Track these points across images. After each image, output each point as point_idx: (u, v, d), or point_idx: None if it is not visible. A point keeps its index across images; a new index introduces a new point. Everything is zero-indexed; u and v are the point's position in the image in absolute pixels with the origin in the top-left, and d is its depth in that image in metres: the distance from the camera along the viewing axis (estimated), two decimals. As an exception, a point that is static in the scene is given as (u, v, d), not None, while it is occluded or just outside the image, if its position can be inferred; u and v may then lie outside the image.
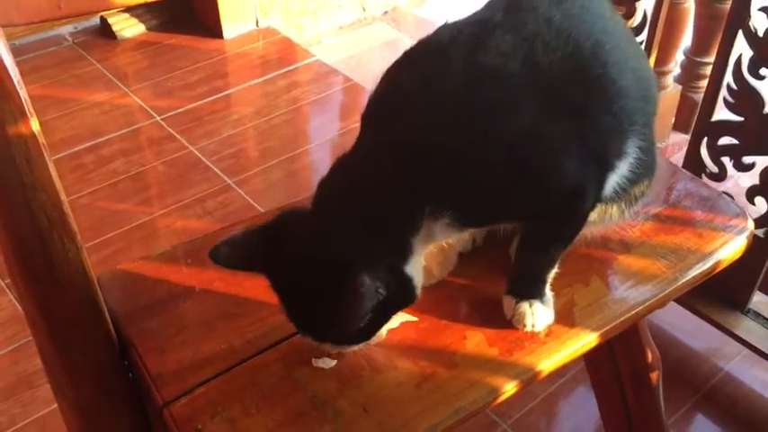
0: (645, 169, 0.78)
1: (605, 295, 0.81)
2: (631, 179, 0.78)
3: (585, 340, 0.77)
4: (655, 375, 1.20)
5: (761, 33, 1.19)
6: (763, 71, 1.22)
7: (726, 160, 1.34)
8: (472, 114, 0.68)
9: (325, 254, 0.66)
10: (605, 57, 0.72)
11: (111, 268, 0.81)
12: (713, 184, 1.39)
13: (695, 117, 1.38)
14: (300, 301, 0.69)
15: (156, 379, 0.70)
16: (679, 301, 1.51)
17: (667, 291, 0.82)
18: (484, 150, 0.68)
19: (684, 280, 0.84)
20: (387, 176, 0.68)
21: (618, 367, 1.22)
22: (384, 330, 0.74)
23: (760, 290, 1.43)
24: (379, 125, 0.72)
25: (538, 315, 0.77)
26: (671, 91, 1.96)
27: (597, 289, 0.82)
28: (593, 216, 0.78)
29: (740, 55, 1.24)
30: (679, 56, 1.98)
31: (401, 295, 0.69)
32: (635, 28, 1.36)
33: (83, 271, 0.68)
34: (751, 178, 1.34)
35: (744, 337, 1.42)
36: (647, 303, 0.81)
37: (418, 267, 0.71)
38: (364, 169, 0.70)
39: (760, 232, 1.34)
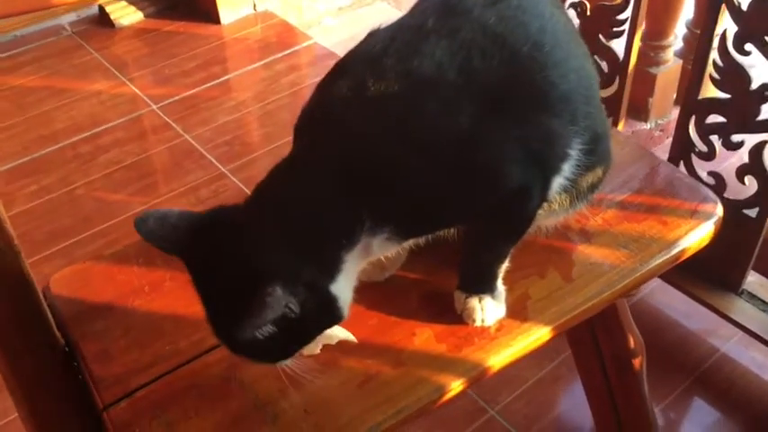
0: (590, 167, 0.76)
1: (561, 288, 0.80)
2: (576, 179, 0.75)
3: (537, 335, 0.76)
4: (638, 361, 1.18)
5: (745, 7, 1.15)
6: (748, 47, 1.18)
7: (714, 139, 1.31)
8: (410, 122, 0.66)
9: (245, 257, 0.64)
10: (544, 60, 0.70)
11: (62, 269, 0.81)
12: (704, 164, 1.36)
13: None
14: (214, 303, 0.66)
15: (98, 382, 0.70)
16: (671, 282, 1.49)
17: (625, 282, 0.80)
18: (423, 158, 0.66)
19: (645, 270, 0.82)
20: (321, 187, 0.66)
21: (601, 353, 1.20)
22: (318, 347, 0.73)
23: (754, 269, 1.40)
24: (313, 135, 0.70)
25: (487, 310, 0.75)
26: (671, 65, 1.91)
27: (553, 281, 0.80)
28: (540, 211, 0.76)
29: (725, 30, 1.20)
30: (681, 29, 1.93)
31: (322, 315, 0.67)
32: (618, 5, 1.32)
33: (21, 275, 0.68)
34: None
35: (738, 320, 1.39)
36: (604, 295, 0.79)
37: (348, 286, 0.69)
38: (299, 178, 0.68)
39: (752, 212, 1.31)
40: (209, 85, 2.20)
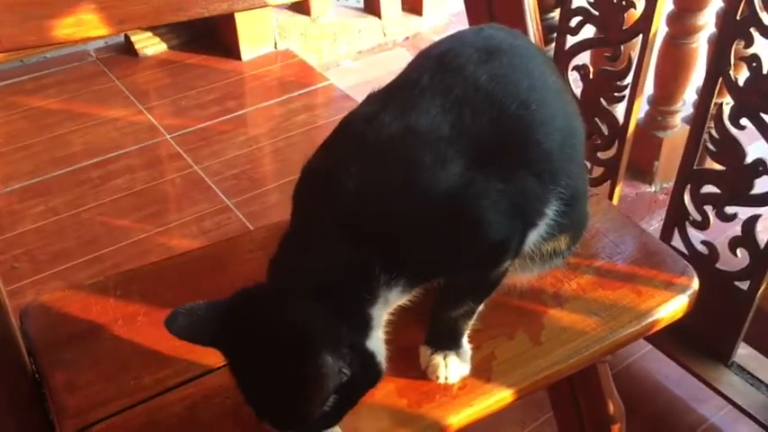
0: (565, 228, 0.77)
1: (528, 350, 0.80)
2: (549, 238, 0.77)
3: (499, 396, 0.76)
4: (616, 428, 1.17)
5: (741, 83, 1.16)
6: (743, 121, 1.19)
7: (709, 209, 1.31)
8: (406, 176, 0.68)
9: (283, 334, 0.65)
10: (530, 118, 0.72)
11: (40, 297, 0.82)
12: (698, 233, 1.36)
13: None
14: (259, 385, 0.66)
15: (60, 412, 0.71)
16: (662, 348, 1.48)
17: (593, 349, 0.80)
18: (420, 210, 0.68)
19: (614, 339, 0.82)
20: (335, 250, 0.67)
21: (581, 416, 1.20)
22: None
23: (745, 342, 1.38)
24: (317, 197, 0.71)
25: (452, 367, 0.76)
26: (678, 131, 1.92)
27: (521, 343, 0.81)
28: (511, 268, 0.77)
29: (721, 103, 1.21)
30: (691, 95, 1.94)
31: (366, 374, 0.67)
32: (620, 71, 1.34)
33: (-5, 301, 0.70)
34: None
35: (726, 393, 1.37)
36: (571, 361, 0.80)
37: (380, 340, 0.70)
38: (312, 245, 0.69)
39: (744, 285, 1.30)
40: (223, 118, 2.24)
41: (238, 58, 2.49)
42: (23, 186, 1.99)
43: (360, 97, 2.60)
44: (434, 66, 0.74)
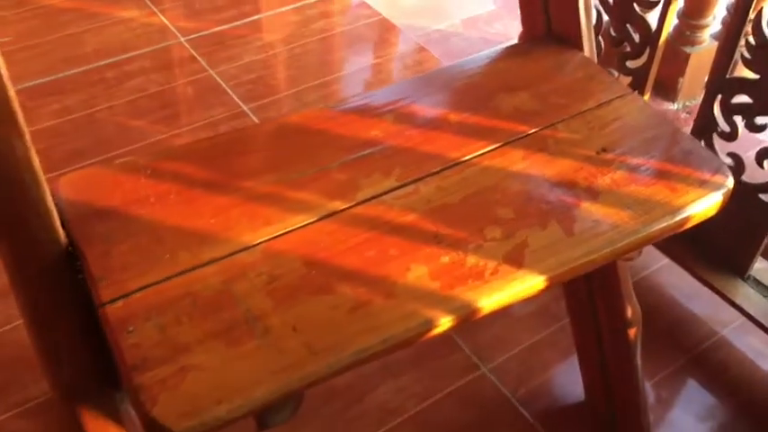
0: None
1: (560, 240, 0.80)
2: None
3: (531, 282, 0.76)
4: (633, 331, 1.18)
5: (784, -15, 1.13)
6: (783, 26, 1.16)
7: (738, 120, 1.29)
8: None
9: None
10: None
11: (71, 172, 0.82)
12: (725, 145, 1.35)
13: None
14: None
15: (98, 280, 0.71)
16: (677, 260, 1.48)
17: (626, 241, 0.80)
18: None
19: (647, 232, 0.81)
20: None
21: (597, 319, 1.21)
22: None
23: (763, 256, 1.39)
24: None
25: None
26: (706, 46, 1.87)
27: (553, 233, 0.80)
28: None
29: (762, 8, 1.17)
30: (721, 11, 1.89)
31: None
32: (656, -27, 1.30)
33: (31, 170, 0.69)
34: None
35: (741, 305, 1.39)
36: (604, 252, 0.79)
37: None
38: None
39: (767, 197, 1.30)
40: (239, 23, 2.19)
41: (254, -40, 2.42)
42: (35, 85, 1.96)
43: (380, 7, 2.52)
44: None
